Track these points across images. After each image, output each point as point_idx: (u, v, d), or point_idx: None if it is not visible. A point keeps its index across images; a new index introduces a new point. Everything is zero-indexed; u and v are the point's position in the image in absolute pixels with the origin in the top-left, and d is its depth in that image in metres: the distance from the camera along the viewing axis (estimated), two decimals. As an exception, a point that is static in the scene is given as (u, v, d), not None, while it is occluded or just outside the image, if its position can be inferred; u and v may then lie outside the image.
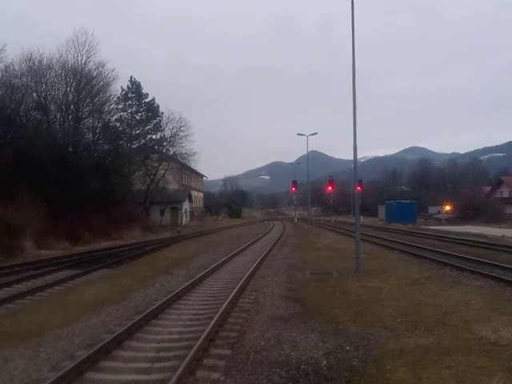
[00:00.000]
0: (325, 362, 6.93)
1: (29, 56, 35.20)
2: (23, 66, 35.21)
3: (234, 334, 8.37)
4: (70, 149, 36.70)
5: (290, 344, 7.77)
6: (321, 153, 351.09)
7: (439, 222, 66.27)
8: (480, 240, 28.69)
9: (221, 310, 9.60)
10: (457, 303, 10.51)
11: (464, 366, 6.54)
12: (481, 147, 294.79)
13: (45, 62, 35.90)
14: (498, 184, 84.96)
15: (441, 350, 7.29)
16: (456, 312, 9.66)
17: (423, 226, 52.35)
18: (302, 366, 6.76)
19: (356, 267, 16.23)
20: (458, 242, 28.37)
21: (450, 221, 65.04)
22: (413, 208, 65.88)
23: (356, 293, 12.05)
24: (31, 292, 12.96)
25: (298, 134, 51.19)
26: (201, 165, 73.02)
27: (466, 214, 64.51)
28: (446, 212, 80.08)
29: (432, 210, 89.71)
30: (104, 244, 30.34)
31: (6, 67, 33.91)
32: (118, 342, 7.78)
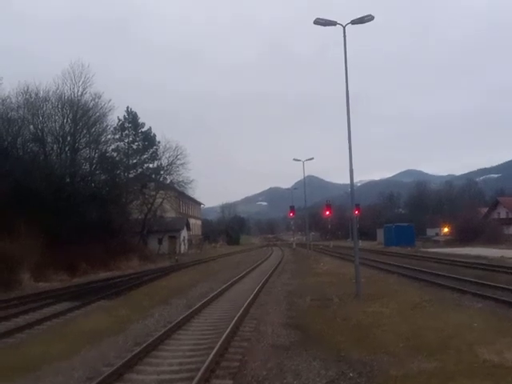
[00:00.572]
0: (328, 390, 6.85)
1: (25, 88, 35.48)
2: (20, 98, 35.49)
3: (236, 364, 8.28)
4: (67, 179, 36.71)
5: (292, 373, 7.69)
6: (317, 177, 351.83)
7: (438, 244, 66.17)
8: (479, 261, 28.63)
9: (221, 339, 9.50)
10: (459, 326, 10.43)
11: (469, 390, 6.47)
12: (476, 168, 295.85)
13: (41, 94, 36.19)
14: (495, 205, 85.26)
15: (445, 374, 7.21)
16: (458, 335, 9.59)
17: (422, 249, 52.24)
18: (306, 395, 6.67)
19: (356, 292, 16.14)
20: (458, 264, 28.29)
21: (449, 243, 64.97)
22: (411, 231, 65.90)
23: (357, 318, 11.96)
24: (29, 325, 12.81)
25: (294, 159, 51.45)
26: (198, 192, 73.21)
27: (465, 235, 64.49)
28: (444, 234, 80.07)
29: (430, 232, 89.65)
30: (102, 275, 30.12)
31: (3, 100, 34.21)
32: (118, 374, 7.69)
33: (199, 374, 7.24)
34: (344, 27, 16.84)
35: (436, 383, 6.85)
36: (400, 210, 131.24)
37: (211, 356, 8.20)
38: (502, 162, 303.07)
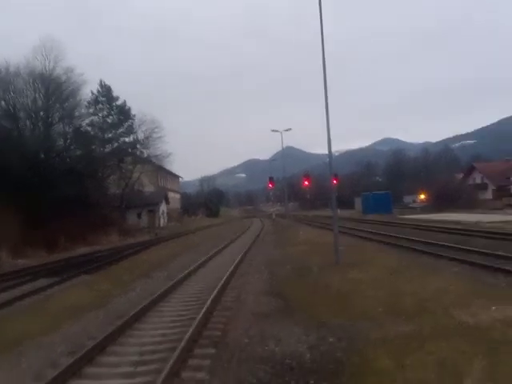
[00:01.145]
0: (309, 356, 6.98)
1: (-5, 64, 34.54)
2: (-11, 74, 34.59)
3: (218, 333, 8.37)
4: (42, 155, 36.13)
5: (273, 339, 7.80)
6: (296, 148, 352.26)
7: (415, 211, 67.21)
8: (455, 227, 29.14)
9: (203, 310, 9.57)
10: (435, 290, 10.65)
11: (445, 351, 6.65)
12: (452, 135, 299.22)
13: (12, 69, 35.33)
14: (470, 171, 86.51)
15: (422, 336, 7.39)
16: (435, 299, 9.80)
17: (399, 216, 52.97)
18: (287, 361, 6.79)
19: (335, 260, 16.35)
20: (434, 229, 28.76)
21: (426, 209, 65.98)
22: (388, 198, 66.72)
23: (337, 285, 12.14)
24: (9, 302, 12.72)
25: (272, 130, 51.66)
26: (176, 166, 72.92)
27: (441, 201, 65.57)
28: (421, 201, 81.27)
29: (407, 199, 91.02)
30: (81, 250, 29.98)
31: (-28, 77, 33.26)
32: (100, 347, 7.71)
33: (181, 344, 7.30)
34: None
35: (414, 345, 7.01)
36: (377, 178, 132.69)
37: (193, 327, 8.26)
38: (477, 127, 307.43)
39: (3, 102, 35.21)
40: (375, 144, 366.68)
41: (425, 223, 35.50)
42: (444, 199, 65.22)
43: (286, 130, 51.52)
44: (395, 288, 11.20)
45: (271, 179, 52.89)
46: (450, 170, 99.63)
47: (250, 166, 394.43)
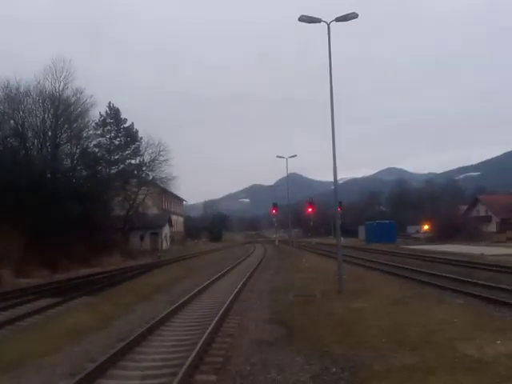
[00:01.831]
0: (312, 385, 6.90)
1: (6, 83, 35.11)
2: (0, 93, 35.11)
3: (219, 360, 8.29)
4: (48, 175, 36.37)
5: (276, 368, 7.72)
6: (300, 175, 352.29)
7: (418, 241, 66.91)
8: (460, 259, 28.99)
9: (205, 335, 9.50)
10: (440, 322, 10.57)
11: (450, 384, 6.58)
12: (456, 167, 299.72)
13: (22, 89, 35.84)
14: (474, 203, 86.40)
15: (426, 369, 7.31)
16: (440, 331, 9.71)
17: (403, 246, 52.74)
18: (289, 390, 6.72)
19: (339, 288, 16.26)
20: (438, 260, 28.62)
21: (429, 240, 65.72)
22: (392, 228, 66.55)
23: (340, 314, 12.05)
24: (10, 322, 12.65)
25: (277, 156, 51.67)
26: (181, 189, 73.27)
27: (445, 232, 65.29)
28: (425, 231, 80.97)
29: (411, 229, 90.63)
30: (84, 271, 29.87)
31: (-17, 95, 33.72)
32: (101, 370, 7.65)
33: (182, 369, 7.23)
34: (328, 25, 16.95)
35: (418, 378, 6.93)
36: (381, 207, 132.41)
37: (194, 352, 8.19)
38: (481, 160, 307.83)
39: (12, 121, 35.59)
40: (379, 173, 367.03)
41: (429, 254, 35.34)
42: (448, 230, 64.95)
43: (292, 157, 51.65)
44: (399, 318, 11.11)
45: (275, 205, 52.89)
46: (455, 201, 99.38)
47: (254, 191, 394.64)
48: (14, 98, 35.44)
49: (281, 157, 51.40)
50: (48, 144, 37.42)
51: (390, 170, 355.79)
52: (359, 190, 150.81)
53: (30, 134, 36.80)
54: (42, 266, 27.04)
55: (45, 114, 36.95)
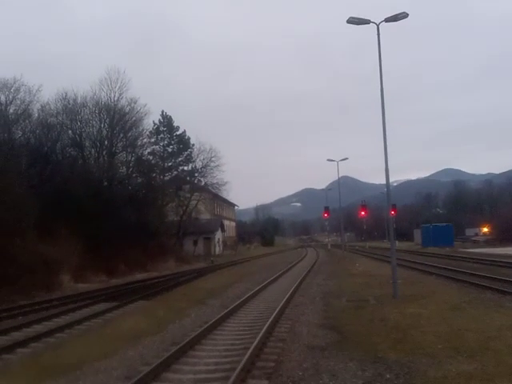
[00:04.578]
0: (365, 392, 6.79)
1: (64, 95, 36.53)
2: (58, 104, 36.55)
3: (271, 364, 8.28)
4: (105, 183, 37.47)
5: (328, 373, 7.64)
6: (352, 178, 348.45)
7: (477, 244, 64.67)
8: (521, 262, 27.81)
9: (257, 339, 9.52)
10: (499, 328, 10.17)
11: (510, 393, 6.31)
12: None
13: (79, 100, 37.19)
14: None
15: (485, 376, 7.05)
16: (499, 337, 9.36)
17: (461, 249, 51.14)
18: (342, 396, 6.63)
19: (393, 293, 15.92)
20: (498, 264, 27.56)
21: (489, 243, 63.42)
22: (450, 231, 64.63)
23: (394, 319, 11.80)
24: (69, 326, 13.11)
25: (328, 159, 51.16)
26: (232, 194, 74.13)
27: (505, 235, 62.83)
28: (484, 234, 78.22)
29: (469, 232, 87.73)
30: (139, 276, 30.61)
31: (43, 107, 35.18)
32: (155, 373, 7.80)
33: (235, 373, 7.28)
34: (378, 25, 16.76)
35: (476, 385, 6.70)
36: (438, 209, 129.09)
37: (247, 356, 8.23)
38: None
39: (70, 132, 36.94)
40: (435, 174, 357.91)
41: (488, 257, 34.06)
42: (509, 233, 62.45)
43: (343, 160, 51.07)
44: (456, 324, 10.77)
45: (327, 209, 52.41)
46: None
47: (306, 195, 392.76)
48: (72, 109, 36.80)
49: (332, 160, 50.90)
50: (104, 153, 38.64)
51: (447, 171, 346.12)
52: (414, 193, 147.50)
53: (87, 144, 38.09)
54: (99, 272, 27.87)
55: (101, 123, 38.22)
